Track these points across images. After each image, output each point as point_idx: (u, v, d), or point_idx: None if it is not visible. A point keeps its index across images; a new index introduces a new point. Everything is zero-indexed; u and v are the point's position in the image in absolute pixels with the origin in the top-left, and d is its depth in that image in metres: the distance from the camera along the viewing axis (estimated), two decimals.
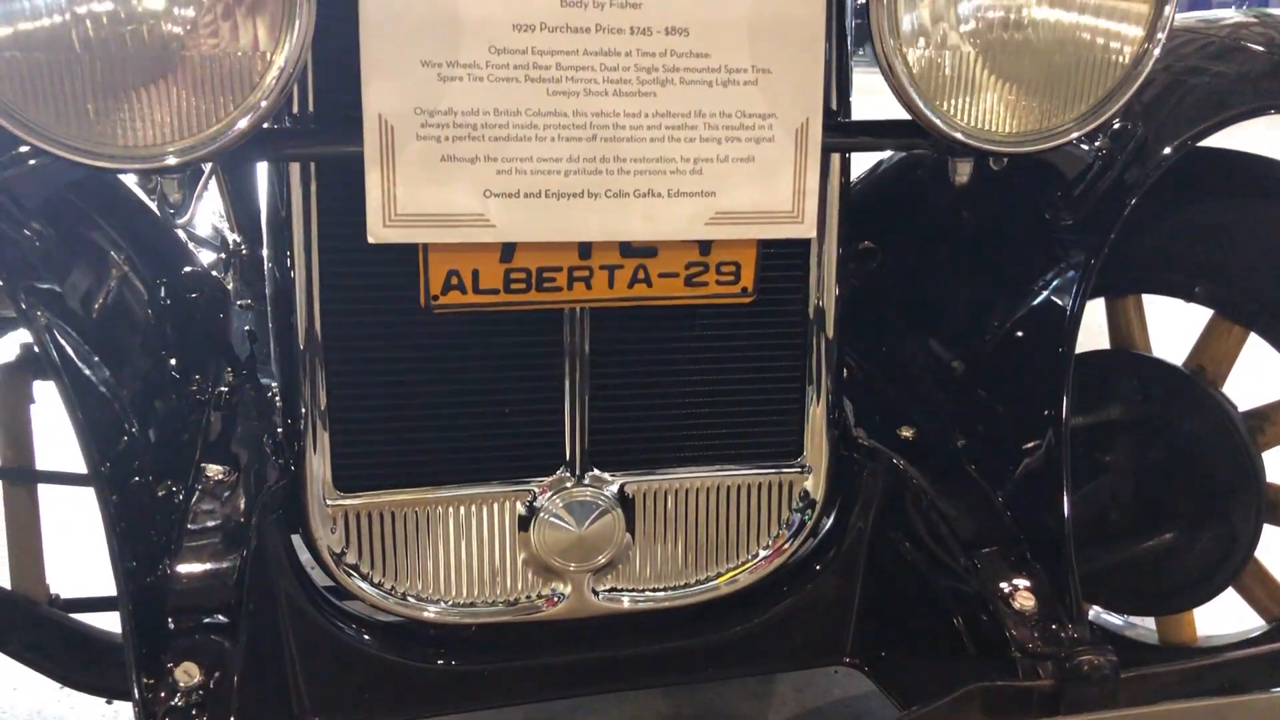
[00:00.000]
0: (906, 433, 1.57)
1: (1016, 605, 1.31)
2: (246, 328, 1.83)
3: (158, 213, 1.82)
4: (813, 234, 1.31)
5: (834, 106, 1.38)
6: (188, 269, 1.69)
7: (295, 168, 1.27)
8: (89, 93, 1.06)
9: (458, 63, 1.17)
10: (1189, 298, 1.76)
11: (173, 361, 1.70)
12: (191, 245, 2.17)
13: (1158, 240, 1.70)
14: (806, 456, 1.49)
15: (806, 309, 1.44)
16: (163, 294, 1.68)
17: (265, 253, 1.48)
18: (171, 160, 1.08)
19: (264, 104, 1.07)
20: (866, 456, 1.53)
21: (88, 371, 1.38)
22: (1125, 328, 1.84)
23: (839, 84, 1.37)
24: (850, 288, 1.50)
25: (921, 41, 1.23)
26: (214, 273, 2.36)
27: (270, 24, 1.07)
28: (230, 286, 2.28)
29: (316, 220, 1.28)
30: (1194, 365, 1.77)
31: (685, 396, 1.44)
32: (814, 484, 1.50)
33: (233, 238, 2.62)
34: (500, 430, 1.41)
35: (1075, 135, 1.25)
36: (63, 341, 1.33)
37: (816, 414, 1.48)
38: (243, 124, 1.07)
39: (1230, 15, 1.70)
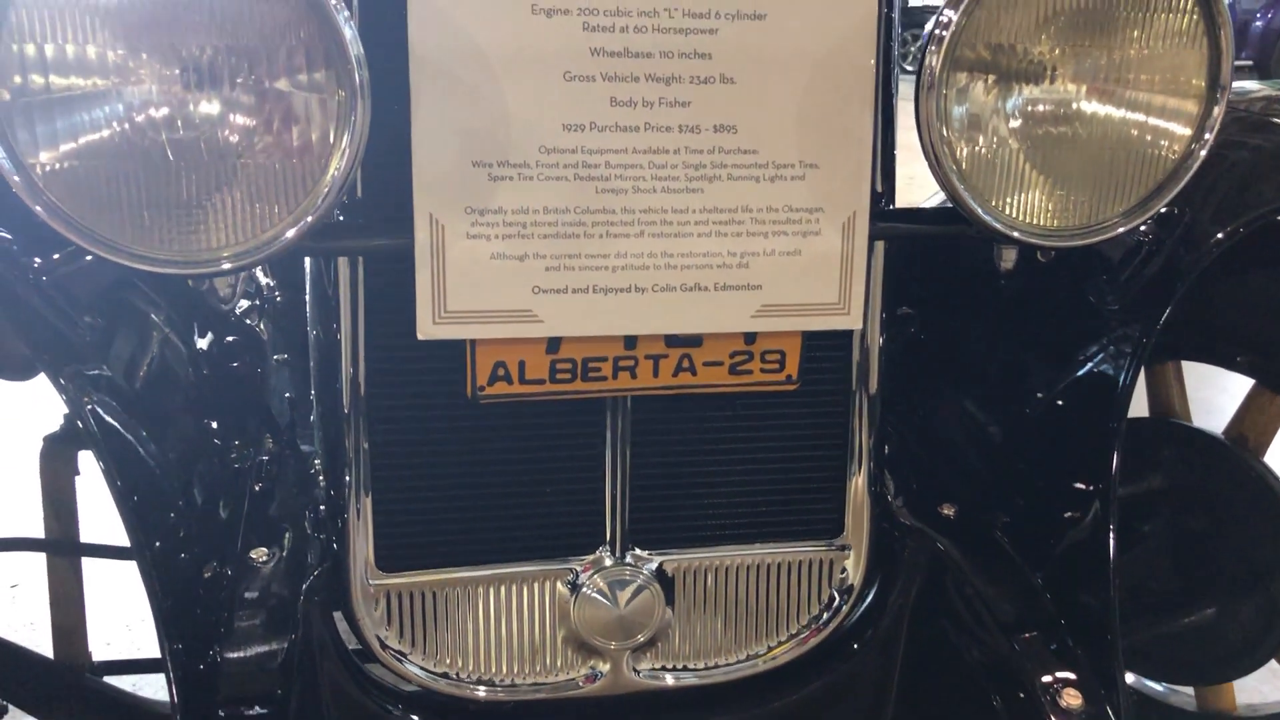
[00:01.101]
0: (948, 510, 1.56)
1: (1063, 704, 1.31)
2: (287, 394, 1.84)
3: None
4: (859, 325, 1.31)
5: (879, 189, 1.37)
6: (230, 338, 1.70)
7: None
8: (144, 200, 1.07)
9: (508, 162, 1.17)
10: (1231, 366, 1.75)
11: (214, 425, 1.72)
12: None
13: (1199, 307, 1.69)
14: (847, 535, 1.49)
15: (848, 389, 1.44)
16: (204, 361, 1.70)
17: (310, 331, 1.49)
18: (226, 265, 1.09)
19: (309, 219, 1.08)
20: (907, 535, 1.53)
21: (130, 445, 1.39)
22: (1164, 394, 1.83)
23: (884, 169, 1.37)
24: (889, 352, 1.50)
25: (969, 134, 1.23)
26: (248, 320, 2.37)
27: (324, 131, 1.08)
28: (265, 336, 2.29)
29: (364, 309, 1.29)
30: (1235, 434, 1.76)
31: (725, 476, 1.44)
32: (854, 562, 1.50)
33: (266, 281, 2.63)
34: (541, 511, 1.41)
35: (1121, 230, 1.25)
36: (105, 416, 1.34)
37: (857, 492, 1.48)
38: (290, 234, 1.08)
39: (1258, 88, 1.69)
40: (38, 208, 1.02)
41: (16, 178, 1.01)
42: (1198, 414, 1.85)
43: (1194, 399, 1.85)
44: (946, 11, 1.18)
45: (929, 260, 1.77)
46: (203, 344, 1.84)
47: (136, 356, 1.54)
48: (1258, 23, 15.69)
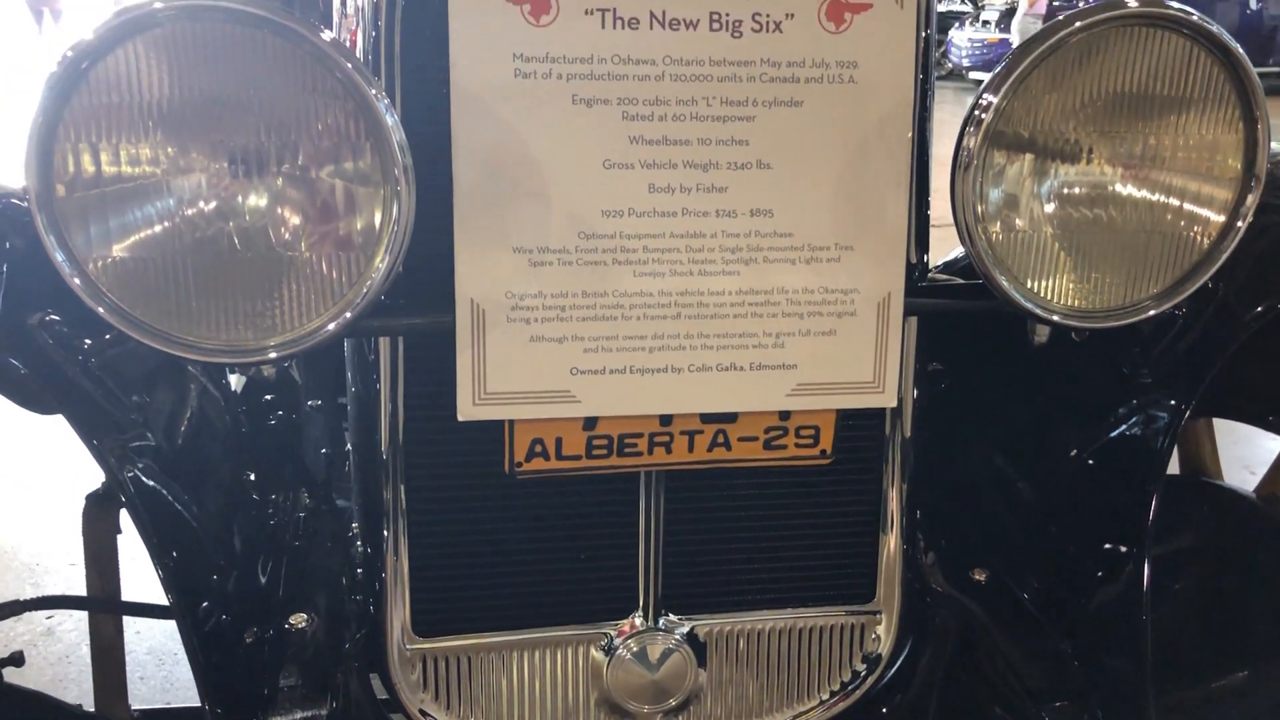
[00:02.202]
0: (979, 575, 1.57)
1: None
2: (323, 449, 1.86)
3: None
4: (894, 403, 1.32)
5: (913, 260, 1.38)
6: (267, 396, 1.72)
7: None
8: (193, 290, 1.09)
9: (548, 248, 1.19)
10: (1263, 425, 1.75)
11: (251, 477, 1.74)
12: None
13: (1232, 365, 1.69)
14: (878, 600, 1.50)
15: (882, 459, 1.44)
16: (240, 416, 1.72)
17: (349, 386, 1.51)
18: (272, 354, 1.11)
19: (349, 315, 1.10)
20: (938, 601, 1.53)
21: (167, 504, 1.40)
22: (1195, 451, 1.83)
23: (919, 241, 1.38)
24: (919, 409, 1.50)
25: (1004, 215, 1.24)
26: (282, 364, 2.39)
27: (370, 220, 1.10)
28: (299, 380, 2.31)
29: (404, 382, 1.31)
30: (1266, 493, 1.76)
31: (757, 543, 1.46)
32: (885, 628, 1.51)
33: None
34: (576, 577, 1.43)
35: (1153, 312, 1.25)
36: (142, 478, 1.36)
37: (889, 558, 1.48)
38: (333, 327, 1.10)
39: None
40: (99, 309, 1.04)
41: (77, 280, 1.03)
42: (1233, 446, 1.84)
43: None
44: (986, 95, 1.18)
45: (961, 320, 1.77)
46: (236, 388, 1.86)
47: (172, 417, 1.56)
48: None
